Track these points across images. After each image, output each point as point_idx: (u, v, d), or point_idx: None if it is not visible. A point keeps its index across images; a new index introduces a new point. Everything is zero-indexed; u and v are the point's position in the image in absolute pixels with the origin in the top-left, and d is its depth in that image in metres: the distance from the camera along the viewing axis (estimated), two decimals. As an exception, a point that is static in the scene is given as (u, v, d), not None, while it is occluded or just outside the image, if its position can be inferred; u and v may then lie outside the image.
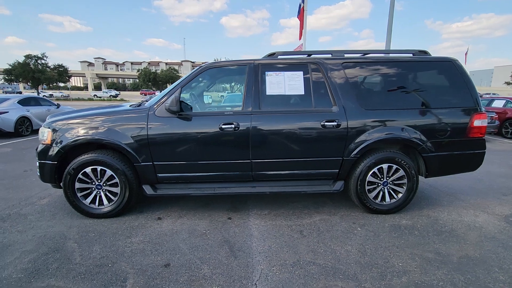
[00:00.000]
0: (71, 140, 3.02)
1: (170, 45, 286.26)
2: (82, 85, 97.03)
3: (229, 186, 3.25)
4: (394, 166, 3.20)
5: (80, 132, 3.05)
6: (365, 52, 3.59)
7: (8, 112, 8.81)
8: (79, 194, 3.13)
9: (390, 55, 3.44)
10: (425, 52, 3.45)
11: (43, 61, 39.02)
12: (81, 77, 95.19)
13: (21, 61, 37.30)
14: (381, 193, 3.29)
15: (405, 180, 3.24)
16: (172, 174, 3.17)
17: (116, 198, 3.15)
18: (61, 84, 54.86)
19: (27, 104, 9.68)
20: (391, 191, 3.30)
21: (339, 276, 2.21)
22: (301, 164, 3.19)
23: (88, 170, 3.07)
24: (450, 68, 3.28)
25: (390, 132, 3.14)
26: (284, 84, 3.17)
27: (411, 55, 3.41)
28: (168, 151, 3.10)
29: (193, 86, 3.36)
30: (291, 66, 3.24)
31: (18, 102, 9.42)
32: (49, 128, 3.12)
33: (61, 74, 41.96)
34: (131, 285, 2.08)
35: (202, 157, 3.12)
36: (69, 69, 44.22)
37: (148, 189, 3.17)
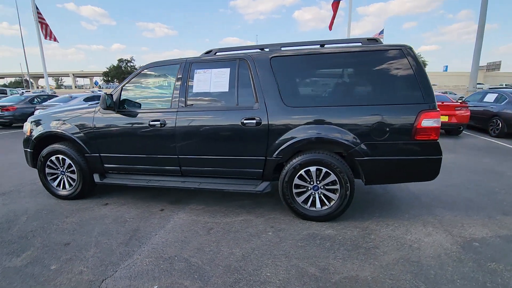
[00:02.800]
0: (39, 133, 3.63)
1: (244, 43, 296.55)
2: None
3: (162, 179, 3.42)
4: (324, 170, 2.89)
5: (45, 126, 3.64)
6: (321, 44, 3.28)
7: (74, 108, 10.70)
8: (49, 178, 3.75)
9: (327, 46, 3.07)
10: (375, 40, 2.98)
11: (131, 64, 45.41)
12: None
13: (115, 65, 44.17)
14: (311, 198, 3.02)
15: (338, 186, 2.90)
16: (115, 165, 3.52)
17: (74, 183, 3.67)
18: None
19: (91, 101, 11.56)
20: (323, 197, 2.99)
21: (194, 276, 2.19)
22: (225, 162, 3.15)
23: (53, 158, 3.65)
24: (399, 58, 2.77)
25: (314, 132, 2.85)
26: (210, 81, 3.17)
27: (360, 44, 3.00)
28: (110, 144, 3.44)
29: (137, 85, 3.61)
30: (220, 63, 3.20)
31: (84, 100, 11.34)
32: (29, 122, 3.81)
33: (145, 74, 48.04)
34: (25, 256, 2.47)
35: (137, 151, 3.37)
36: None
37: (96, 178, 3.59)
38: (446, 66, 66.33)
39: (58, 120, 3.62)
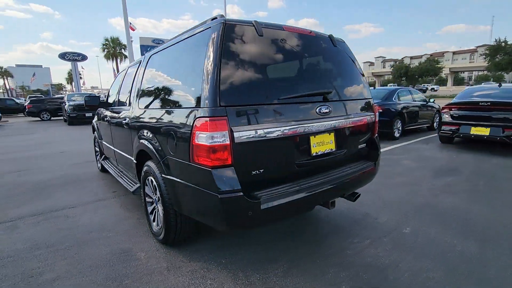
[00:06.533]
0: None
1: (474, 29, 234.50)
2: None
3: (116, 166, 4.01)
4: (155, 182, 2.44)
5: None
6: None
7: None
8: (96, 154, 5.31)
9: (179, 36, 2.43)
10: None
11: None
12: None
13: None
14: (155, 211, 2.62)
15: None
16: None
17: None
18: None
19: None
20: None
21: None
22: (125, 158, 3.29)
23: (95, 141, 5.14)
24: (207, 41, 1.86)
25: (141, 137, 2.47)
26: (129, 79, 3.36)
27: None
28: (101, 134, 4.44)
29: (117, 84, 4.26)
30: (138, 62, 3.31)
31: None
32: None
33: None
34: None
35: (107, 141, 4.14)
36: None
37: (101, 159, 4.71)
38: None
39: (98, 112, 5.01)
